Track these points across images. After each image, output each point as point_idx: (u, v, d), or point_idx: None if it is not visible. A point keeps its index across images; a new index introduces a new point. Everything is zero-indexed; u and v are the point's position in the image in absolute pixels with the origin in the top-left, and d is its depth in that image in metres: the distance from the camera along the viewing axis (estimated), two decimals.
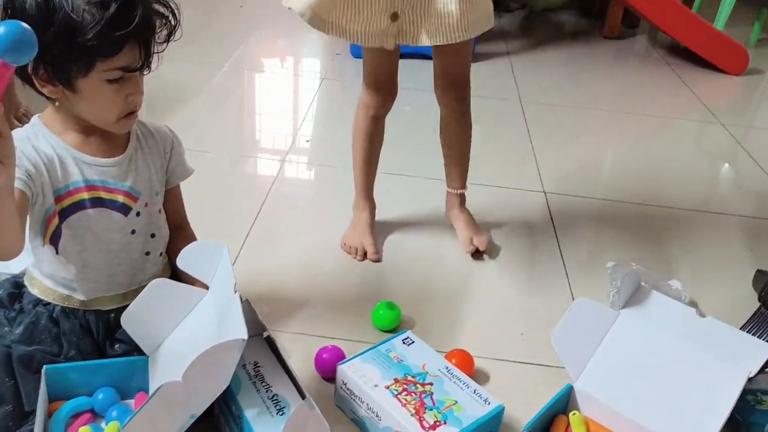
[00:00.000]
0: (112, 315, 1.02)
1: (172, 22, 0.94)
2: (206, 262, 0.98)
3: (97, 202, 0.97)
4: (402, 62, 1.37)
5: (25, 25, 0.73)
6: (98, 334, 1.02)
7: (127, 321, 0.97)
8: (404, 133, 1.93)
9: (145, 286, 1.00)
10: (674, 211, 1.77)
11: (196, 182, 1.14)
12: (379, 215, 1.55)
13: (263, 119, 2.22)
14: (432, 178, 1.71)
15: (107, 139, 0.98)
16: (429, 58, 1.39)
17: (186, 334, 0.98)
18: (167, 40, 0.94)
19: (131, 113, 0.95)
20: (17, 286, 1.05)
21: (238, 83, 2.43)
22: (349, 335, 1.21)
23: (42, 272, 1.01)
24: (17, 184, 0.87)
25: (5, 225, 0.81)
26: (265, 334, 1.00)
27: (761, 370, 0.98)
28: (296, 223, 1.58)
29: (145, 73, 0.93)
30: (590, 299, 1.06)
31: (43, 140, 0.94)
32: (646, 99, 2.61)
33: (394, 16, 1.18)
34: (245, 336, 0.81)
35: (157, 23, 0.92)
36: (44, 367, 0.94)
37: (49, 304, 1.01)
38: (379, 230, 1.52)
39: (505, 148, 2.07)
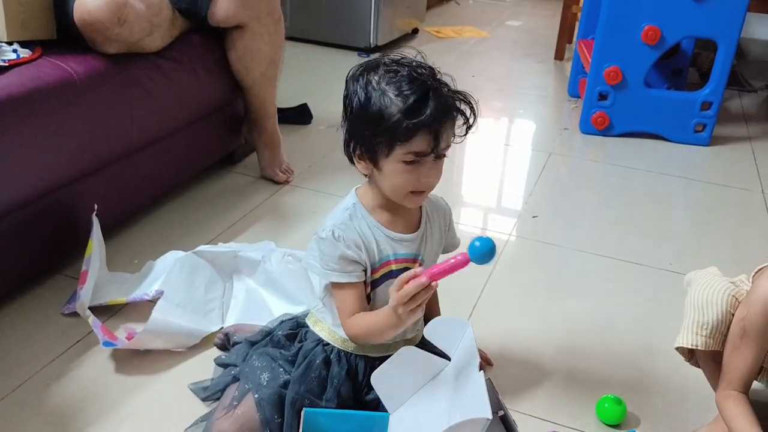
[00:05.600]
0: (377, 362, 1.13)
1: (470, 120, 1.06)
2: (450, 336, 1.07)
3: (401, 272, 1.07)
4: None
5: (494, 243, 0.92)
6: (363, 378, 1.15)
7: (376, 380, 1.08)
8: None
9: (406, 339, 1.17)
10: None
11: None
12: None
13: (492, 191, 2.30)
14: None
15: (407, 216, 1.12)
16: None
17: (425, 401, 1.07)
18: (465, 132, 1.07)
19: (421, 192, 1.06)
20: (297, 326, 1.22)
21: (471, 153, 2.55)
22: (572, 423, 1.23)
23: (329, 322, 1.16)
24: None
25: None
26: (500, 413, 1.06)
27: None
28: (520, 299, 1.63)
29: (440, 159, 1.04)
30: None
31: (361, 219, 1.10)
32: None
33: None
34: (489, 416, 0.88)
35: (456, 116, 1.03)
36: (304, 409, 1.08)
37: (328, 344, 1.16)
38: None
39: (745, 246, 1.93)
